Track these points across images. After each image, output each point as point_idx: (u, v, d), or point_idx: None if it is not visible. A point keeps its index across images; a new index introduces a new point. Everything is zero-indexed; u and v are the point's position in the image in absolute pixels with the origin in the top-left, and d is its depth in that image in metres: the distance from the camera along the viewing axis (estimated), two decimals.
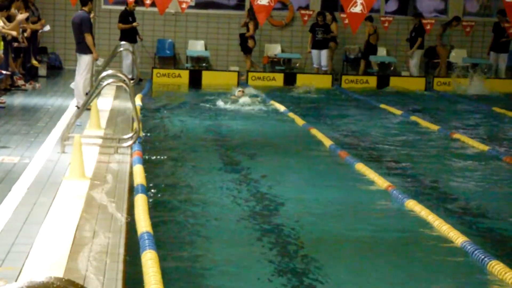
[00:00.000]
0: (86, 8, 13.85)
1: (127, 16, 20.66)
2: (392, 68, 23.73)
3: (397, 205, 8.85)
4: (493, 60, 23.24)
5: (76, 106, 13.47)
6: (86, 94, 12.38)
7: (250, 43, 22.38)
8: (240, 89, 18.90)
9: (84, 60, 13.68)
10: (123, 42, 17.39)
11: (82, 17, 13.65)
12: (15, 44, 16.18)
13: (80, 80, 13.60)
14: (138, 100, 16.09)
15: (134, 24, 20.58)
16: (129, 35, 20.22)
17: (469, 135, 13.89)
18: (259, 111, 16.66)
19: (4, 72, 14.74)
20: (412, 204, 8.63)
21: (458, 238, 7.39)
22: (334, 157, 11.65)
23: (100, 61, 15.65)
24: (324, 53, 22.60)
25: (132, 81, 14.87)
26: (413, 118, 15.93)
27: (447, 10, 24.59)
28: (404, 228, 8.09)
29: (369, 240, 7.65)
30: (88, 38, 13.56)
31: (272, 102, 17.68)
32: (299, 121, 14.88)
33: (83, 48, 13.67)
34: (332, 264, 6.90)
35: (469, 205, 9.23)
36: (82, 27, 13.56)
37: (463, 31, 23.72)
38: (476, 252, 6.98)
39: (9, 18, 15.50)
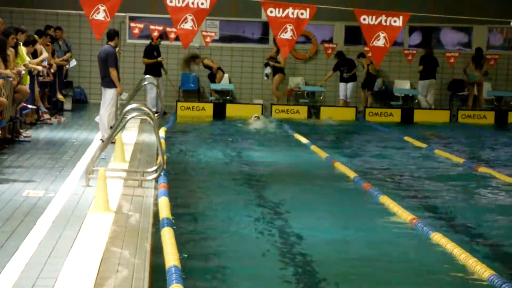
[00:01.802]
0: (112, 43, 13.96)
1: (152, 51, 20.87)
2: (416, 101, 23.68)
3: (422, 238, 8.77)
4: None
5: (101, 139, 13.54)
6: (111, 127, 12.45)
7: (220, 74, 22.61)
8: (256, 115, 19.20)
9: (109, 94, 13.76)
10: (147, 76, 17.54)
11: (108, 52, 13.74)
12: (41, 79, 16.34)
13: (105, 114, 13.68)
14: (162, 133, 16.17)
15: (159, 59, 20.78)
16: (154, 69, 20.42)
17: (494, 168, 13.79)
18: (282, 143, 16.67)
19: (30, 106, 14.87)
20: (437, 237, 8.56)
21: (485, 272, 7.31)
22: (358, 189, 11.60)
23: (125, 96, 15.75)
24: (350, 86, 22.95)
25: (156, 115, 14.99)
26: (437, 151, 15.84)
27: (471, 43, 24.58)
28: (429, 261, 8.02)
29: (394, 273, 7.59)
30: (113, 72, 13.65)
31: (295, 134, 17.71)
32: (323, 154, 14.86)
33: (108, 82, 13.76)
34: None
35: (496, 239, 9.12)
36: (108, 62, 13.66)
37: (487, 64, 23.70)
38: (504, 286, 6.89)
39: (35, 53, 15.67)
